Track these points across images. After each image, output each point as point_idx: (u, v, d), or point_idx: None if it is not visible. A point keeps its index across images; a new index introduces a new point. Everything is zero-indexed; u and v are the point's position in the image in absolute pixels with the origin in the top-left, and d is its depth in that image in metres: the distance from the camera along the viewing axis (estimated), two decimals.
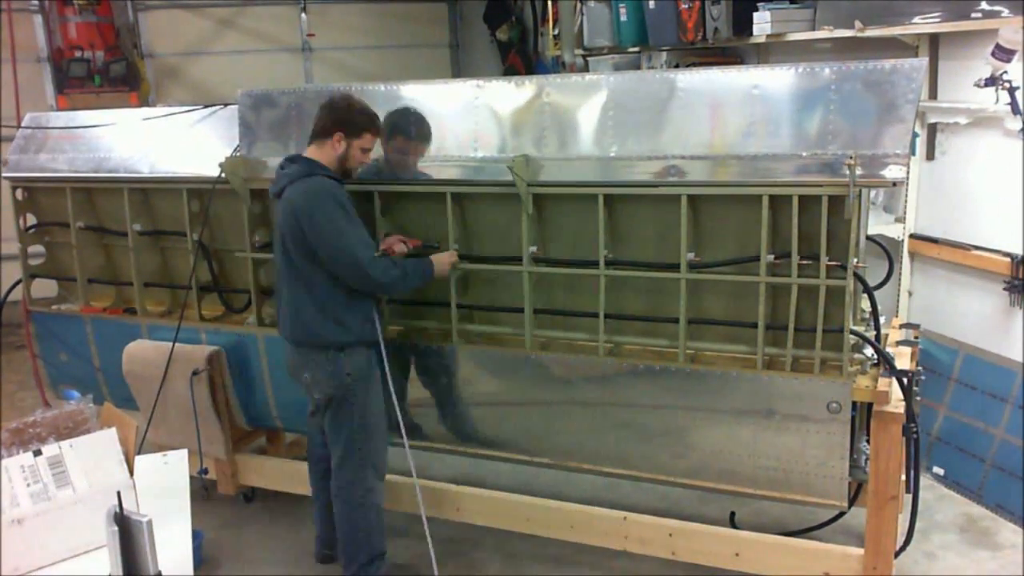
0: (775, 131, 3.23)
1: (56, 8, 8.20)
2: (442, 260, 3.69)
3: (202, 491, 4.43)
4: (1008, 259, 4.26)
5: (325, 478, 3.86)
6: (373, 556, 3.76)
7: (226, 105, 4.41)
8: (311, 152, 3.61)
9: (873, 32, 4.41)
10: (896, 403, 3.21)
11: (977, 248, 4.47)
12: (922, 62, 3.16)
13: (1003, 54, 3.88)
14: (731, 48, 5.87)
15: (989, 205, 4.42)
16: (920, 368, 3.64)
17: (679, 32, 5.59)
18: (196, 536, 3.76)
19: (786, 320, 3.29)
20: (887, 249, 4.00)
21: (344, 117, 3.56)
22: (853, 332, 3.25)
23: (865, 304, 3.65)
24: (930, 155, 4.72)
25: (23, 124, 5.01)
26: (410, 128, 3.80)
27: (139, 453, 2.88)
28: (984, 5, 3.92)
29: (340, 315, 3.57)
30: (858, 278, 3.28)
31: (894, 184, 3.11)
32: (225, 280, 4.48)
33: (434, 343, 3.94)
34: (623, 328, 3.68)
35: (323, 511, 3.96)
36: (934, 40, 4.53)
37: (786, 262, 3.25)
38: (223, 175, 4.04)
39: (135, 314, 4.60)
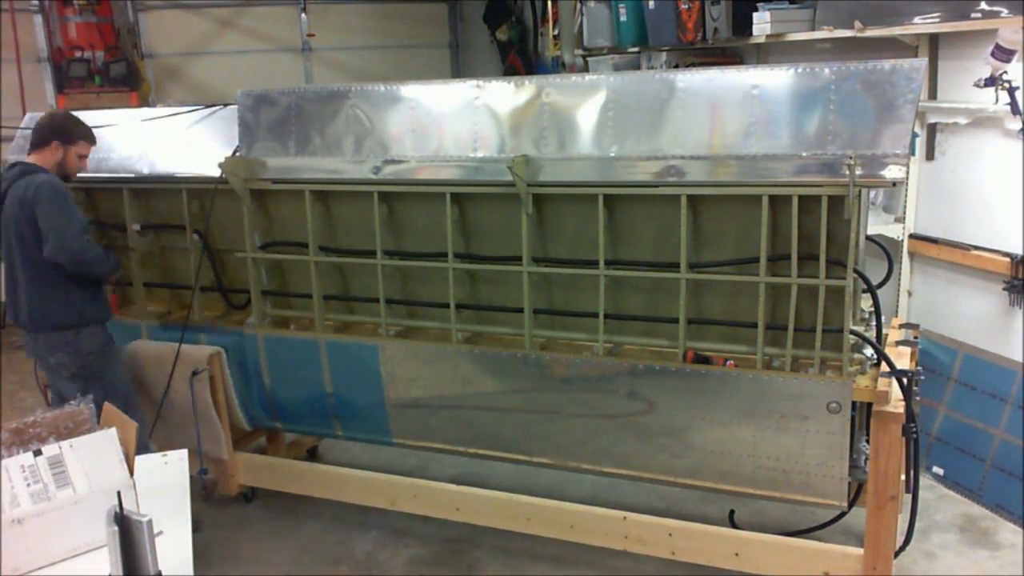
0: (775, 131, 3.23)
1: (56, 8, 8.21)
2: None
3: (202, 491, 4.44)
4: (1008, 259, 4.26)
5: None
6: None
7: (226, 105, 4.42)
8: (32, 158, 4.03)
9: (873, 32, 4.41)
10: (896, 403, 3.21)
11: (977, 248, 4.47)
12: (922, 62, 3.16)
13: (1003, 54, 3.88)
14: (731, 48, 5.87)
15: (989, 205, 4.42)
16: (920, 368, 3.65)
17: (679, 32, 5.60)
18: None
19: (786, 320, 3.29)
20: (887, 249, 4.00)
21: (59, 128, 4.04)
22: (853, 332, 3.25)
23: (865, 304, 3.65)
24: (930, 155, 4.72)
25: (23, 124, 5.00)
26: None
27: (139, 453, 2.88)
28: (984, 5, 3.92)
29: (69, 297, 3.98)
30: (861, 277, 3.27)
31: (894, 184, 3.11)
32: (225, 280, 4.48)
33: (433, 343, 3.95)
34: (623, 328, 3.68)
35: None
36: (934, 40, 4.53)
37: (786, 262, 3.26)
38: (223, 175, 4.04)
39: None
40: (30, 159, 4.04)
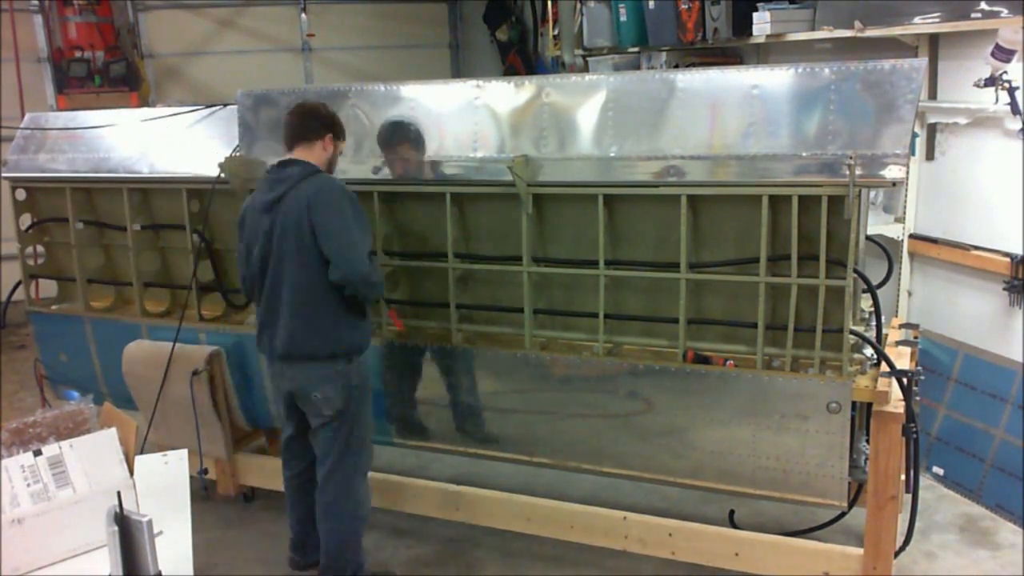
0: (775, 131, 3.23)
1: (56, 8, 8.21)
2: None
3: (202, 491, 4.43)
4: (1008, 259, 4.26)
5: (302, 490, 3.86)
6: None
7: (226, 105, 4.42)
8: (300, 154, 3.50)
9: (873, 32, 4.41)
10: (896, 403, 3.21)
11: (977, 248, 4.47)
12: (922, 62, 3.16)
13: (1003, 54, 3.88)
14: (731, 48, 5.87)
15: (989, 205, 4.41)
16: (920, 368, 3.65)
17: (679, 32, 5.60)
18: None
19: (786, 320, 3.29)
20: (887, 249, 4.00)
21: (332, 120, 3.56)
22: (853, 332, 3.25)
23: (865, 304, 3.65)
24: (930, 155, 4.72)
25: (23, 124, 5.00)
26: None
27: (139, 453, 2.88)
28: (984, 5, 3.92)
29: (346, 322, 3.49)
30: (861, 277, 3.27)
31: (894, 184, 3.11)
32: (225, 280, 4.47)
33: (434, 343, 3.95)
34: (623, 328, 3.68)
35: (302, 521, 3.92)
36: (934, 40, 4.53)
37: (786, 262, 3.25)
38: (223, 175, 4.04)
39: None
40: (297, 156, 3.50)
